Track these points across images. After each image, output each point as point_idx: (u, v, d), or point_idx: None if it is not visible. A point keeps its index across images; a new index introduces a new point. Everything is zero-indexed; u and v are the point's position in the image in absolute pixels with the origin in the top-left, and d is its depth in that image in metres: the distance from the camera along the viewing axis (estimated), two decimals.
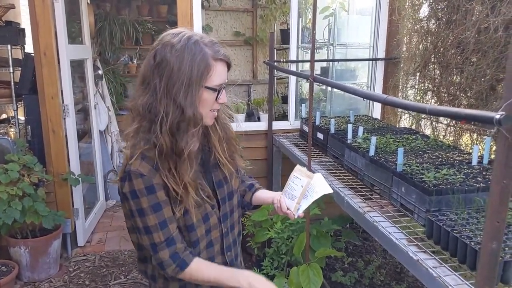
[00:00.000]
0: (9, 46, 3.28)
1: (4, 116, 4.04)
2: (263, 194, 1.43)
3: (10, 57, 3.30)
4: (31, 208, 2.91)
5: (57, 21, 3.13)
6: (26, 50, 3.57)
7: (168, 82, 1.11)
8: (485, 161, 1.96)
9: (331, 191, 1.30)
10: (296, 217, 1.32)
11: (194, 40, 1.13)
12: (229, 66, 1.21)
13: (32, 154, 3.20)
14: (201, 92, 1.13)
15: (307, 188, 1.29)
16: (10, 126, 3.58)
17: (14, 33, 3.33)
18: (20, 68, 3.36)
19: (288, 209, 1.32)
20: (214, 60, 1.14)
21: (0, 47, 3.32)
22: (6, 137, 3.26)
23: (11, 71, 3.32)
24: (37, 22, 3.03)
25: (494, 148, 2.16)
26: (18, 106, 3.44)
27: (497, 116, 0.96)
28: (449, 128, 2.94)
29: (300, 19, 3.92)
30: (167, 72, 1.11)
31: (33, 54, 3.17)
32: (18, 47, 3.50)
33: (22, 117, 3.51)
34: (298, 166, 1.34)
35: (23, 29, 3.59)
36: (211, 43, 1.16)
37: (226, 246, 1.32)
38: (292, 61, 3.66)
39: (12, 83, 3.34)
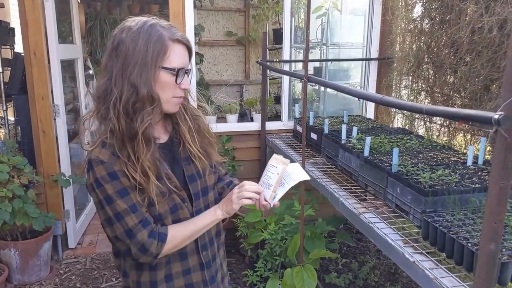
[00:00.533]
0: None
1: None
2: None
3: None
4: (21, 210, 2.86)
5: (47, 20, 3.09)
6: (15, 50, 3.52)
7: (123, 63, 1.11)
8: (480, 161, 1.95)
9: (308, 177, 1.26)
10: (272, 206, 1.25)
11: (150, 23, 1.14)
12: (189, 50, 1.20)
13: (22, 155, 3.15)
14: (157, 73, 1.13)
15: (283, 175, 1.25)
16: (0, 127, 3.53)
17: (3, 33, 3.30)
18: (9, 68, 3.31)
19: (264, 199, 1.25)
20: (171, 41, 1.14)
21: None
22: None
23: (1, 71, 3.27)
24: (27, 21, 2.99)
25: (488, 148, 2.17)
26: (8, 107, 3.39)
27: (496, 116, 0.95)
28: (442, 128, 2.94)
29: (293, 18, 3.90)
30: (123, 53, 1.11)
31: (23, 54, 3.12)
32: (8, 47, 3.45)
33: (12, 118, 3.45)
34: (274, 155, 1.29)
35: (13, 29, 3.54)
36: (168, 25, 1.17)
37: (201, 244, 1.28)
38: (285, 61, 3.65)
39: (2, 83, 3.29)
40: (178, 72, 1.15)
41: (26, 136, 3.21)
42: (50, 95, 3.15)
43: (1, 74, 3.28)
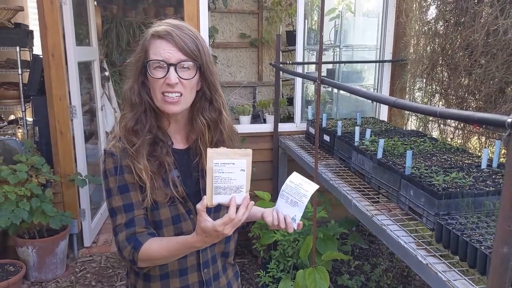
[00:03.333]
0: (18, 48, 3.31)
1: (12, 117, 4.07)
2: (253, 210, 1.25)
3: (18, 59, 3.32)
4: (38, 209, 2.93)
5: (65, 23, 3.16)
6: (34, 52, 3.59)
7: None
8: (495, 164, 1.94)
9: (317, 186, 1.17)
10: (296, 228, 1.18)
11: (154, 25, 1.17)
12: (177, 44, 1.11)
13: (40, 155, 3.22)
14: (141, 71, 1.16)
15: (289, 192, 1.16)
16: (18, 127, 3.61)
17: (22, 35, 3.36)
18: (28, 70, 3.39)
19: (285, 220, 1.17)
20: (149, 37, 1.14)
21: (9, 49, 3.35)
22: (14, 138, 3.28)
23: (20, 72, 3.34)
24: (46, 24, 3.06)
25: (503, 151, 2.15)
26: (26, 107, 3.46)
27: (509, 120, 0.95)
28: (457, 131, 2.92)
29: (306, 20, 3.92)
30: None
31: (41, 56, 3.19)
32: (27, 49, 3.53)
33: (30, 118, 3.53)
34: (209, 150, 1.03)
35: (32, 31, 3.61)
36: (163, 23, 1.16)
37: (203, 261, 1.23)
38: (298, 63, 3.66)
39: (21, 85, 3.37)
40: (148, 64, 1.12)
41: (44, 136, 3.28)
42: (67, 96, 3.22)
43: (20, 75, 3.36)
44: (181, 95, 1.13)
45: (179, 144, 1.23)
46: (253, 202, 1.04)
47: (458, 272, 1.39)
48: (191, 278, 1.23)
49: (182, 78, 1.11)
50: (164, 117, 1.19)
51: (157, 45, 1.12)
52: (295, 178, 1.16)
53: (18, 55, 3.32)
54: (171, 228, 1.18)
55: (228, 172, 0.99)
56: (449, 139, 2.93)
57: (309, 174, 2.73)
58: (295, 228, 1.16)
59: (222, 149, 1.00)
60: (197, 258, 1.23)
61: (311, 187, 1.15)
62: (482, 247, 1.33)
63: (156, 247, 1.11)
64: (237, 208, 1.01)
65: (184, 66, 1.12)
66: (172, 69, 1.10)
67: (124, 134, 1.16)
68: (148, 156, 1.14)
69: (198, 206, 1.00)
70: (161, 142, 1.17)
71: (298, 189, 1.15)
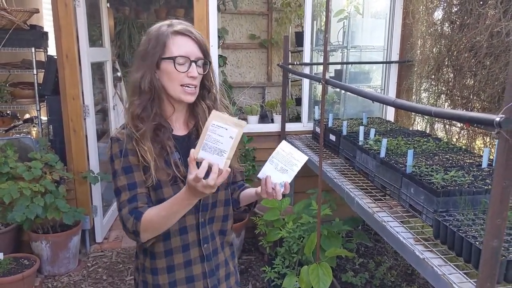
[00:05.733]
0: (33, 49, 3.41)
1: (27, 116, 4.19)
2: (248, 191, 1.43)
3: (34, 59, 3.43)
4: (52, 205, 3.03)
5: (78, 25, 3.25)
6: (49, 53, 3.69)
7: (134, 60, 1.30)
8: (495, 163, 1.97)
9: (307, 157, 1.24)
10: (283, 190, 1.25)
11: (162, 24, 1.27)
12: (197, 42, 1.26)
13: (54, 152, 3.32)
14: (158, 64, 1.24)
15: (279, 159, 1.22)
16: (33, 126, 3.72)
17: (38, 37, 3.46)
18: (43, 70, 3.49)
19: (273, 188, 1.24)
20: (171, 33, 1.24)
21: (24, 50, 3.46)
22: (29, 136, 3.38)
23: (35, 72, 3.45)
24: (60, 26, 3.15)
25: None
26: (41, 107, 3.57)
27: (498, 119, 1.01)
28: (462, 131, 2.95)
29: (315, 21, 3.96)
30: (136, 52, 1.30)
31: (55, 57, 3.29)
32: (41, 50, 3.63)
33: (44, 117, 3.64)
34: (213, 111, 1.09)
35: (46, 32, 3.72)
36: (177, 23, 1.27)
37: (203, 237, 1.33)
38: (306, 64, 3.71)
39: (36, 84, 3.47)
40: (175, 60, 1.22)
41: (58, 134, 3.37)
42: (80, 96, 3.31)
43: (35, 75, 3.46)
44: (196, 86, 1.28)
45: (179, 130, 1.35)
46: (228, 170, 1.07)
47: (454, 266, 1.43)
48: (193, 253, 1.33)
49: (199, 73, 1.27)
50: (169, 105, 1.31)
51: (179, 42, 1.24)
52: (286, 147, 1.24)
53: (34, 55, 3.42)
54: None
55: (219, 135, 1.05)
56: (454, 139, 2.96)
57: (315, 172, 2.79)
58: (283, 192, 1.25)
59: (224, 115, 1.07)
60: (198, 234, 1.33)
61: (302, 157, 1.24)
62: (477, 243, 1.37)
63: (155, 210, 1.19)
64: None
65: (201, 63, 1.28)
66: (194, 64, 1.25)
67: (130, 120, 1.26)
68: (151, 140, 1.26)
69: (189, 157, 1.07)
70: (163, 128, 1.28)
71: (289, 157, 1.23)
